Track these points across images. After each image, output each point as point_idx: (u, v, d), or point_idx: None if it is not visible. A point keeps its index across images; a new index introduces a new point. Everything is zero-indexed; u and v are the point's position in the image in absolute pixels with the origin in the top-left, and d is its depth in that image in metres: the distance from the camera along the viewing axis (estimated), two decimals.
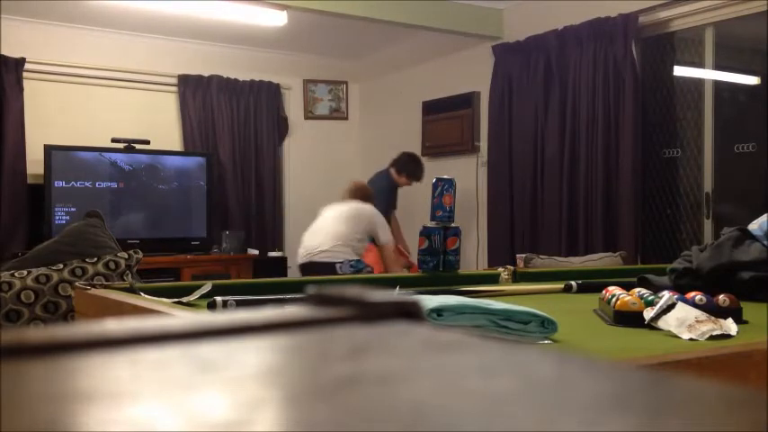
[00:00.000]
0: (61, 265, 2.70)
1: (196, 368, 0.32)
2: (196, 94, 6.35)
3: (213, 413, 0.26)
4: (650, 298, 1.49)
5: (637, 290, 1.58)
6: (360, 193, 4.96)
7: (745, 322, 1.47)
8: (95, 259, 2.76)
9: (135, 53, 6.10)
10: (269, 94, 6.68)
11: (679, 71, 4.85)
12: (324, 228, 4.75)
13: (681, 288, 1.70)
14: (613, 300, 1.51)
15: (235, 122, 6.52)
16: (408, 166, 5.67)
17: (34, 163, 5.54)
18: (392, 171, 5.70)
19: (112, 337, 0.35)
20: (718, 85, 4.57)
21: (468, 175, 5.84)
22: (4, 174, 5.49)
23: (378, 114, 7.05)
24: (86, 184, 5.66)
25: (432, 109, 6.28)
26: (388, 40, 6.38)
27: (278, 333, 0.39)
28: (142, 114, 6.17)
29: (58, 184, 5.52)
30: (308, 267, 4.67)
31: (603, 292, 1.62)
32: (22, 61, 5.59)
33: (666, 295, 1.44)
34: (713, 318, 1.35)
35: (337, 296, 0.44)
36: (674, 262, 2.02)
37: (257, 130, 6.63)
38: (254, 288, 2.06)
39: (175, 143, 6.32)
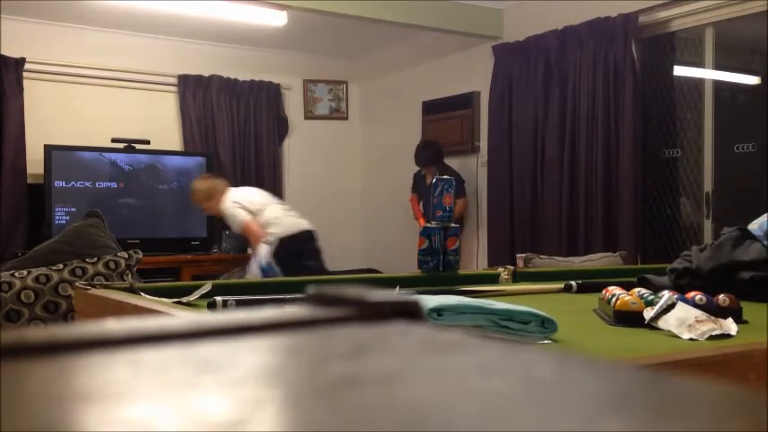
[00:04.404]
0: (61, 265, 2.70)
1: (196, 368, 0.32)
2: (196, 94, 6.34)
3: (213, 413, 0.26)
4: (650, 298, 1.49)
5: (637, 290, 1.58)
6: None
7: (745, 322, 1.47)
8: (95, 259, 2.76)
9: (135, 53, 6.10)
10: (269, 94, 6.68)
11: (679, 71, 4.84)
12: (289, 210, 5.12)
13: (681, 288, 1.70)
14: (613, 300, 1.51)
15: (235, 122, 6.51)
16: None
17: (34, 163, 5.54)
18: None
19: (112, 337, 0.35)
20: (718, 85, 4.56)
21: (469, 175, 5.84)
22: (4, 174, 5.48)
23: (378, 114, 7.05)
24: (86, 184, 5.66)
25: (432, 109, 6.28)
26: (388, 40, 6.38)
27: (278, 333, 0.39)
28: (142, 114, 6.17)
29: (58, 184, 5.52)
30: (304, 235, 4.92)
31: (603, 292, 1.62)
32: (22, 61, 5.59)
33: (666, 295, 1.44)
34: (713, 318, 1.35)
35: (337, 296, 0.44)
36: (674, 262, 2.02)
37: (257, 129, 6.62)
38: (254, 288, 2.06)
39: (175, 143, 6.32)
